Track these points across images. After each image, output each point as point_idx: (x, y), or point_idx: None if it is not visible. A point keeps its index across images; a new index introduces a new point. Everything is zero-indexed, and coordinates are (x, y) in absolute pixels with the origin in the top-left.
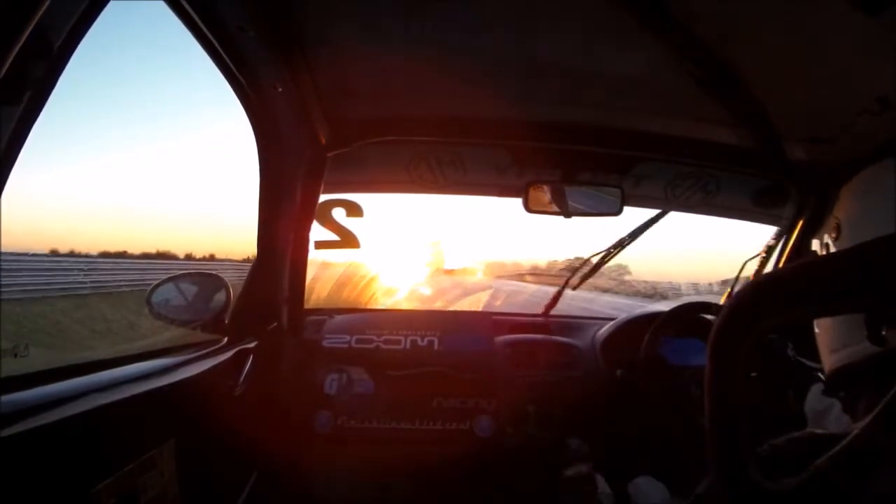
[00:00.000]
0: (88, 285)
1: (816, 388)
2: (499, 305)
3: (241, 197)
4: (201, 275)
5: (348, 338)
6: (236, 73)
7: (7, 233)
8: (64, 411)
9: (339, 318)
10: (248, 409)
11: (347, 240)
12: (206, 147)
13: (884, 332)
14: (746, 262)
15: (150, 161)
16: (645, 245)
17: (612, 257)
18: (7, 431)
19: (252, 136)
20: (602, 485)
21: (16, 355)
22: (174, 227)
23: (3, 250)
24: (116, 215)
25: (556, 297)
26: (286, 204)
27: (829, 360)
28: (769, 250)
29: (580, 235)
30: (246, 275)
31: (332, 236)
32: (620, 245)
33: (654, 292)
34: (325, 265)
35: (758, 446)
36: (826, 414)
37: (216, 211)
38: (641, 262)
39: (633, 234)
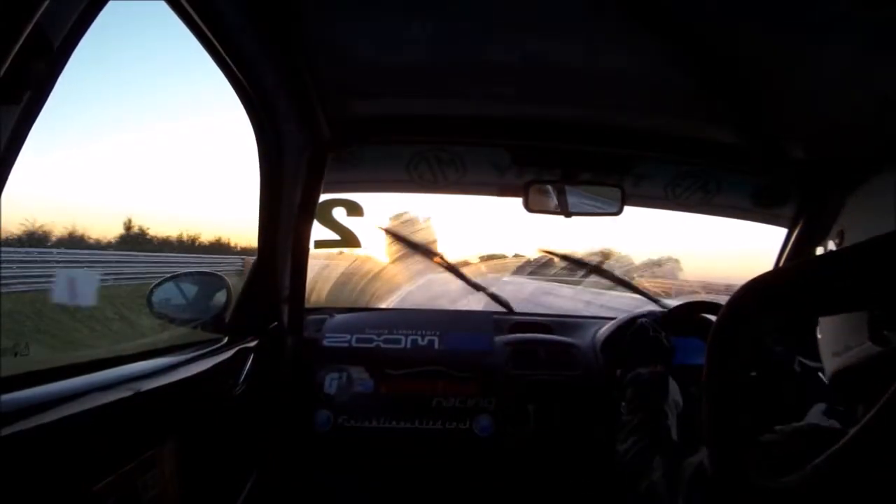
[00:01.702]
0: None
1: (818, 408)
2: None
3: (242, 196)
4: (202, 274)
5: (348, 337)
6: (237, 72)
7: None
8: (64, 411)
9: (339, 317)
10: (249, 409)
11: (348, 239)
12: (206, 146)
13: (886, 333)
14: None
15: (150, 160)
16: (653, 245)
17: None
18: (7, 431)
19: (252, 135)
20: (674, 390)
21: (16, 354)
22: (174, 225)
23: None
24: (115, 213)
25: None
26: (287, 203)
27: (831, 362)
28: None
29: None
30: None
31: (332, 235)
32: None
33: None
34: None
35: (758, 440)
36: None
37: (216, 209)
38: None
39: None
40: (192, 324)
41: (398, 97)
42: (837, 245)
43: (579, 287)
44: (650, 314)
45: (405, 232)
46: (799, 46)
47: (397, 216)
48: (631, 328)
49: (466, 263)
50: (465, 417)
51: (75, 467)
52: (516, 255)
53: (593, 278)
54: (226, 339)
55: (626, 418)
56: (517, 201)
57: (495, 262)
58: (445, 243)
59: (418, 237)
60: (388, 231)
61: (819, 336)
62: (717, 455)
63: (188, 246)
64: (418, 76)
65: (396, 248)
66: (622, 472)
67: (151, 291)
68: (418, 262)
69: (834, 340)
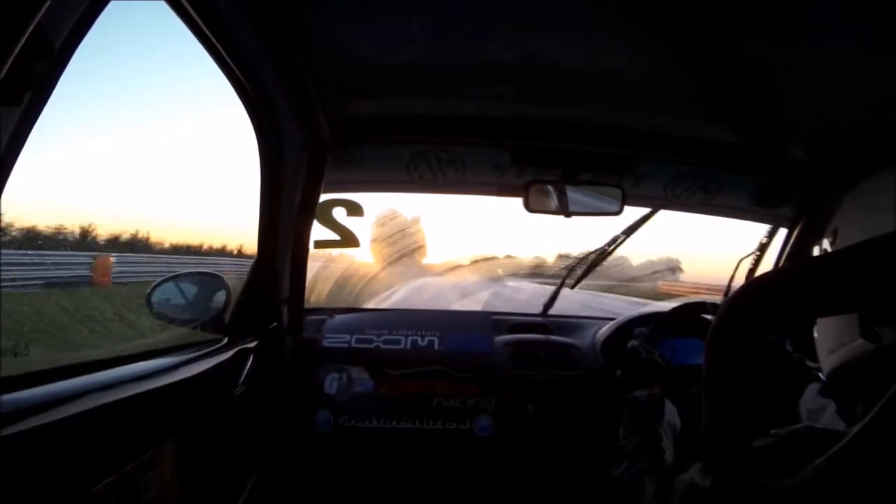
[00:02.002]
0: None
1: (812, 388)
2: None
3: (242, 196)
4: (202, 274)
5: (348, 337)
6: (237, 72)
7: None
8: (64, 411)
9: (339, 317)
10: (249, 409)
11: (347, 239)
12: (207, 146)
13: (877, 329)
14: (741, 260)
15: (150, 160)
16: (658, 245)
17: (608, 255)
18: (7, 431)
19: (253, 135)
20: (670, 412)
21: (16, 355)
22: (175, 225)
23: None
24: (116, 214)
25: (554, 297)
26: (287, 203)
27: (827, 361)
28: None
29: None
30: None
31: (332, 236)
32: (615, 242)
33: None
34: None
35: (756, 440)
36: (821, 414)
37: (217, 210)
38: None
39: (628, 230)
40: (192, 324)
41: (398, 97)
42: (831, 243)
43: (577, 289)
44: (640, 333)
45: (401, 234)
46: (799, 46)
47: (392, 217)
48: (625, 349)
49: (464, 265)
50: (465, 417)
51: (75, 467)
52: (511, 257)
53: (591, 281)
54: (225, 340)
55: (622, 443)
56: (517, 203)
57: (495, 263)
58: (443, 245)
59: (413, 239)
60: (384, 232)
61: (816, 335)
62: (718, 455)
63: (189, 247)
64: (418, 76)
65: (392, 251)
66: (615, 496)
67: (151, 292)
68: (413, 264)
69: (829, 338)
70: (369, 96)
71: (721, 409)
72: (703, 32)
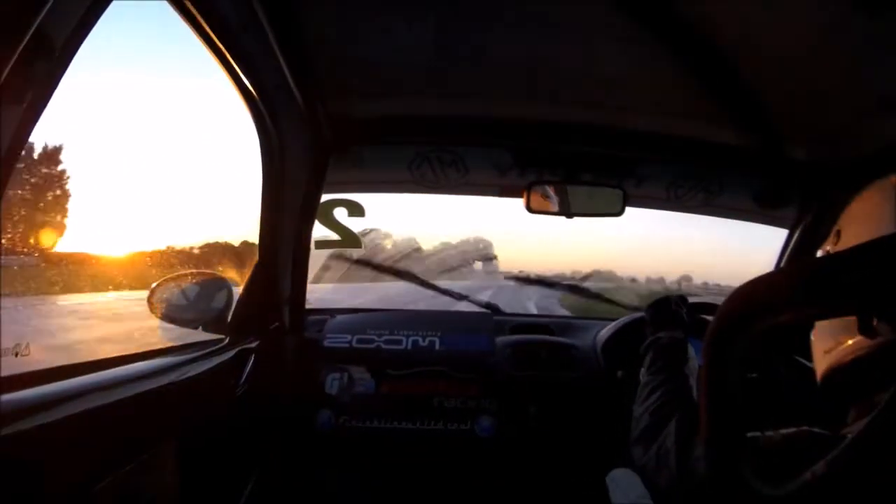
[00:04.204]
0: None
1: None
2: None
3: (243, 197)
4: (203, 274)
5: (349, 337)
6: (239, 72)
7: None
8: (64, 411)
9: (340, 317)
10: (249, 409)
11: (348, 239)
12: (209, 146)
13: (875, 323)
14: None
15: (153, 161)
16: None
17: None
18: (7, 431)
19: (255, 135)
20: (693, 357)
21: (16, 355)
22: (175, 227)
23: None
24: (117, 216)
25: None
26: (288, 204)
27: (822, 361)
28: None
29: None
30: None
31: (333, 236)
32: None
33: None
34: None
35: (755, 444)
36: None
37: (218, 211)
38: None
39: None
40: (193, 324)
41: (399, 97)
42: (833, 244)
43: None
44: (681, 297)
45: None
46: (800, 46)
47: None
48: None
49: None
50: (466, 418)
51: (75, 468)
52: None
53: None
54: (227, 340)
55: (647, 379)
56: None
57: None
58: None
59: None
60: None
61: (812, 338)
62: (716, 458)
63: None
64: (420, 76)
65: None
66: (636, 434)
67: (152, 292)
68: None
69: (826, 338)
70: (371, 97)
71: (719, 412)
72: (704, 33)
